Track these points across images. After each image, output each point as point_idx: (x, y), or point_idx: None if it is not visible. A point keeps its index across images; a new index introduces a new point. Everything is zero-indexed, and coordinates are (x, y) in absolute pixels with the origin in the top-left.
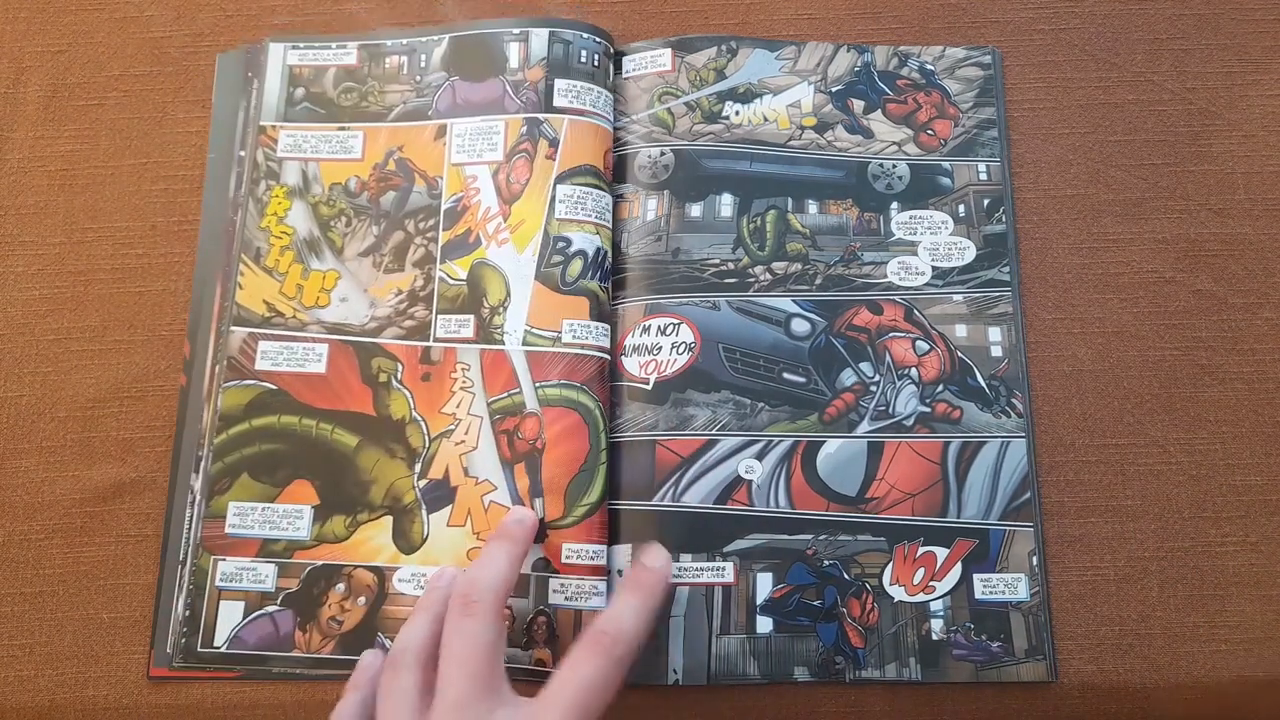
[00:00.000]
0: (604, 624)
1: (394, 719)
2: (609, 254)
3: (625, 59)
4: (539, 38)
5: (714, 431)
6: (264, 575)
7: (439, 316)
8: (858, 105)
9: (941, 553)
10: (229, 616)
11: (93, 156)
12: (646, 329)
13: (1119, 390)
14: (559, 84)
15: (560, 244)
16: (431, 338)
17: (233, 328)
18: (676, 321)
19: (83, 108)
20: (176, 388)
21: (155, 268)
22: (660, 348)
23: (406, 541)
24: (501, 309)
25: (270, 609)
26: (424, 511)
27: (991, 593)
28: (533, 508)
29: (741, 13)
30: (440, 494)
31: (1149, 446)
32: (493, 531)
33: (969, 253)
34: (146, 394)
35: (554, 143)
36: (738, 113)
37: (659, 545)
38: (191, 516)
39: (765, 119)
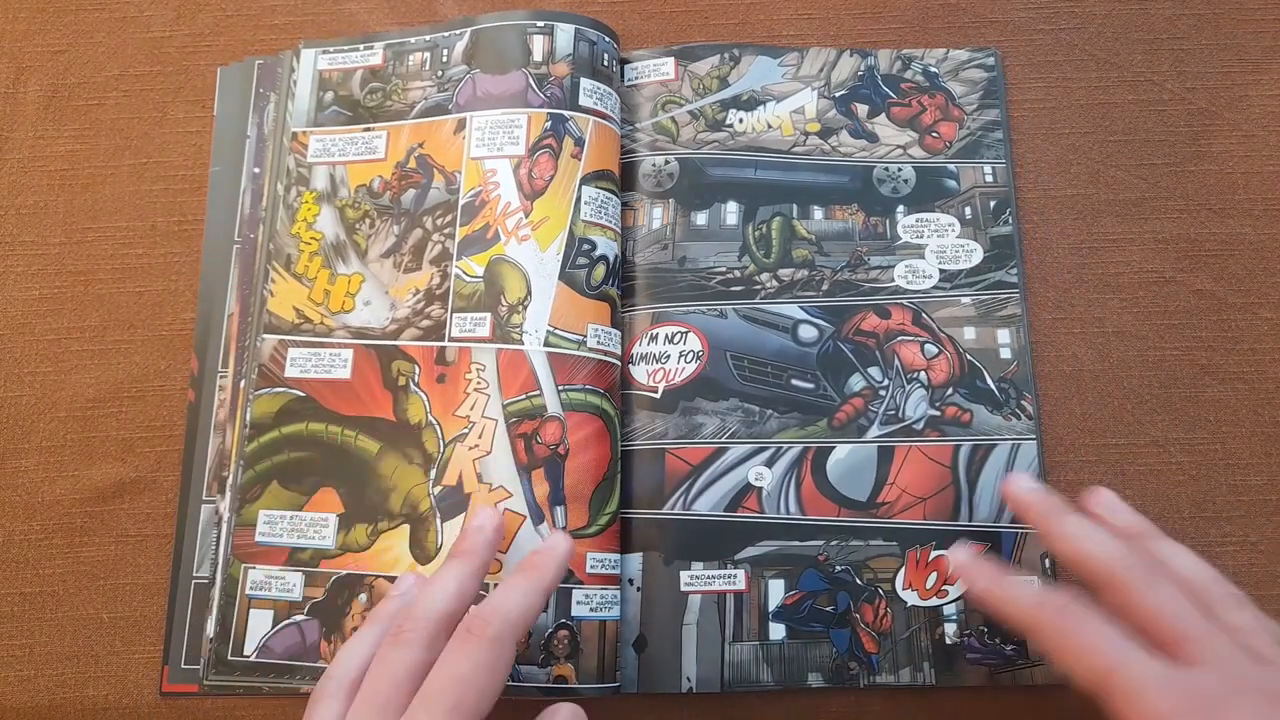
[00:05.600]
0: (478, 610)
1: None
2: (621, 261)
3: (628, 67)
4: (564, 33)
5: (723, 439)
6: (291, 584)
7: (454, 315)
8: (862, 110)
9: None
10: (258, 625)
11: (93, 156)
12: (654, 337)
13: (1119, 390)
14: (585, 83)
15: (585, 246)
16: (447, 337)
17: (264, 335)
18: (684, 330)
19: (83, 108)
20: (177, 388)
21: (155, 268)
22: (668, 356)
23: (422, 551)
24: (521, 308)
25: (298, 618)
26: (438, 520)
27: None
28: (552, 516)
29: (742, 13)
30: (454, 501)
31: (1149, 446)
32: (454, 542)
33: (976, 255)
34: (146, 394)
35: (580, 142)
36: (741, 120)
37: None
38: (219, 535)
39: (769, 126)
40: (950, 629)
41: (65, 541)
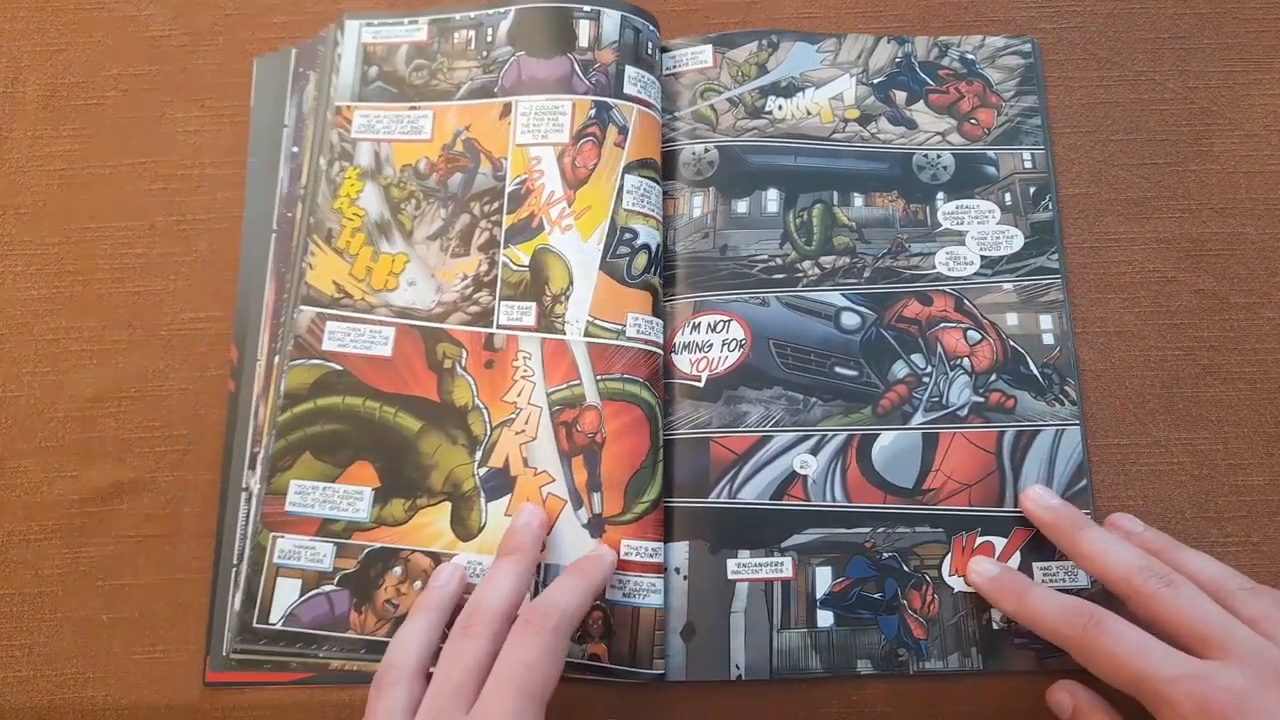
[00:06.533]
0: (537, 604)
1: None
2: (663, 250)
3: (666, 56)
4: (611, 19)
5: (768, 428)
6: (322, 555)
7: (502, 303)
8: (900, 96)
9: (1000, 542)
10: (285, 594)
11: (92, 156)
12: (696, 326)
13: (1120, 390)
14: (629, 71)
15: (627, 235)
16: (495, 324)
17: (301, 307)
18: (726, 318)
19: (82, 107)
20: (176, 388)
21: (154, 267)
22: (711, 345)
23: (464, 528)
24: (564, 298)
25: (327, 588)
26: (482, 499)
27: (1051, 581)
28: (590, 502)
29: (742, 11)
30: (499, 483)
31: (1151, 446)
32: (501, 539)
33: (1017, 241)
34: (146, 394)
35: (624, 130)
36: (780, 107)
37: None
38: (248, 514)
39: (808, 113)
40: (997, 614)
41: (65, 541)
